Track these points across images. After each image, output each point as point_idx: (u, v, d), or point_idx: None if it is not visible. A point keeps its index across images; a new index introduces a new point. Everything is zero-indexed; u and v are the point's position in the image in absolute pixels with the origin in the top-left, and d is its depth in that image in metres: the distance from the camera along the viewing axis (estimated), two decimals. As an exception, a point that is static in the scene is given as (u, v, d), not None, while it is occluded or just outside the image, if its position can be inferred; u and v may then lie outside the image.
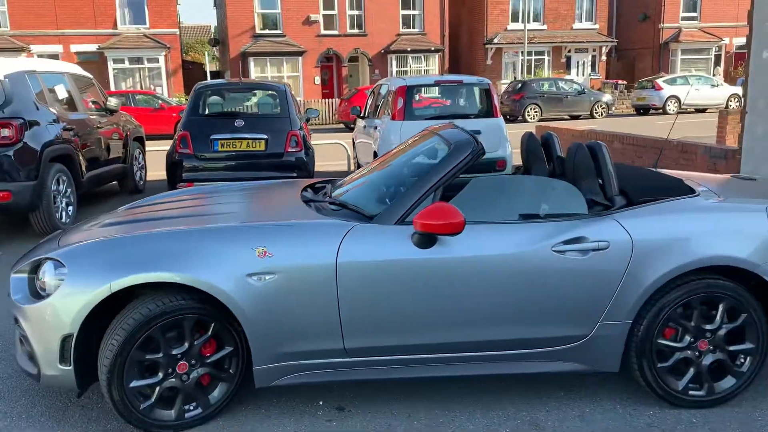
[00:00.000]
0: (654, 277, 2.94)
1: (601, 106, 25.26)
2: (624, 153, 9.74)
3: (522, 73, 30.36)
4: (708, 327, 3.05)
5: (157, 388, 2.88)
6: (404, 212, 2.98)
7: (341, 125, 24.62)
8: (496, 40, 32.36)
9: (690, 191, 3.29)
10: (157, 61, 28.09)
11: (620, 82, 32.37)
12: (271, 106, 7.84)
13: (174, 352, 2.87)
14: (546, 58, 33.51)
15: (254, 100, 8.32)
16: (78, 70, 8.07)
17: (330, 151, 13.69)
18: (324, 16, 30.05)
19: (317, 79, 30.36)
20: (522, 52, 30.08)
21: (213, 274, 2.80)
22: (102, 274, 2.78)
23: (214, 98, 7.84)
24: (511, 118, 25.32)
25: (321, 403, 3.22)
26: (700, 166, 8.56)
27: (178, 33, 28.79)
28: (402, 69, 31.23)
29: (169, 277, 2.78)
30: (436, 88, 8.75)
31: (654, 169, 3.84)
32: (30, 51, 26.61)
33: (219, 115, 7.65)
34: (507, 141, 8.21)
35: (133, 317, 2.78)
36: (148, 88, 26.75)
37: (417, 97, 8.36)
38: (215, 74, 31.76)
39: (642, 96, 26.39)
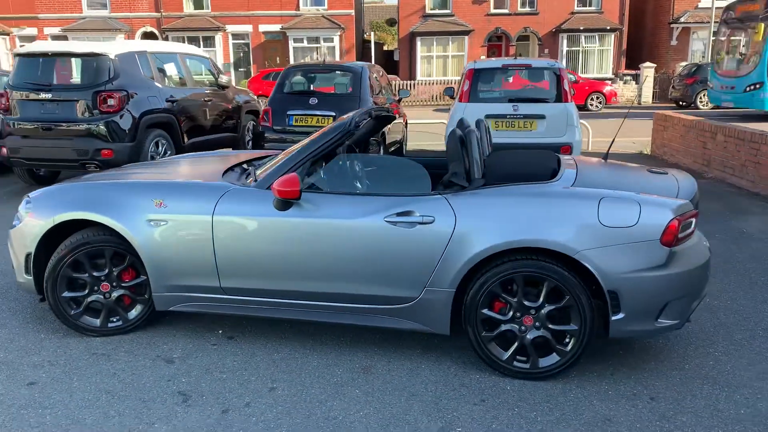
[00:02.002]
0: (472, 252, 3.23)
1: (791, 93, 22.49)
2: (726, 146, 9.09)
3: (708, 56, 27.84)
4: (531, 304, 3.27)
5: (84, 300, 3.80)
6: (274, 180, 3.57)
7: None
8: (683, 19, 30.01)
9: (551, 177, 3.47)
10: (332, 40, 30.10)
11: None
12: (345, 86, 8.55)
13: (96, 274, 3.77)
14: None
15: (332, 80, 9.09)
16: (193, 50, 9.42)
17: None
18: (495, -5, 30.01)
19: (482, 58, 30.41)
20: (709, 32, 27.55)
21: (122, 216, 3.64)
22: (50, 211, 3.75)
23: (298, 78, 8.73)
24: (683, 104, 23.55)
25: (220, 331, 3.94)
26: (766, 158, 7.86)
27: (353, 14, 30.50)
28: (573, 49, 30.22)
29: (91, 216, 3.66)
30: (507, 71, 8.85)
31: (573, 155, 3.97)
32: (225, 30, 29.94)
33: (298, 93, 8.55)
34: (576, 127, 8.13)
35: (65, 244, 3.71)
36: (322, 66, 28.76)
37: (490, 80, 8.56)
38: (386, 53, 33.12)
39: None
